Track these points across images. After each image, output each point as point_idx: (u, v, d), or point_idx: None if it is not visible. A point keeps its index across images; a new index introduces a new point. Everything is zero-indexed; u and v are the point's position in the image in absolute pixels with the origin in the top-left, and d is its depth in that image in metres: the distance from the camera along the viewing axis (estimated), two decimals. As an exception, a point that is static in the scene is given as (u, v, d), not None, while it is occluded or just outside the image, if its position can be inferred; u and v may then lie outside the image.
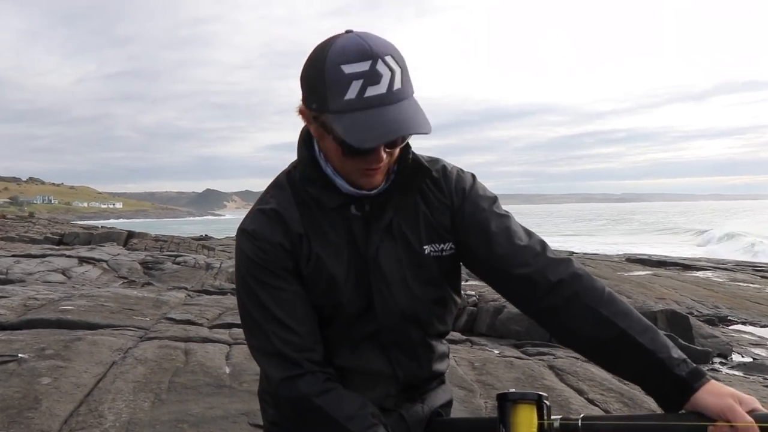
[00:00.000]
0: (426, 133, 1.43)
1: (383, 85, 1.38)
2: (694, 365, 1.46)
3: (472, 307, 9.27)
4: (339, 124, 1.40)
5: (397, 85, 1.40)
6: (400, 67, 1.41)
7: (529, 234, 1.66)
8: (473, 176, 1.73)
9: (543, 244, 1.64)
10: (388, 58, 1.39)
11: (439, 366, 1.77)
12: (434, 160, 1.72)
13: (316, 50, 1.45)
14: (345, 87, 1.38)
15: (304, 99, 1.49)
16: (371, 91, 1.37)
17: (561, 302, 1.55)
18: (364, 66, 1.37)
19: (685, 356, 1.48)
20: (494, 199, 1.70)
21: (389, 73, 1.39)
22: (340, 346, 1.65)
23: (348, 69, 1.38)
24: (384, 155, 1.48)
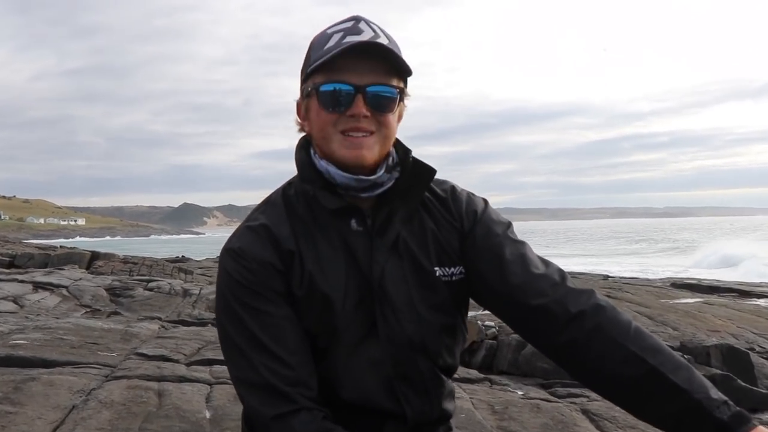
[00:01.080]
0: (407, 71, 1.65)
1: (364, 36, 1.61)
2: (738, 408, 1.47)
3: (491, 341, 9.23)
4: (311, 68, 1.64)
5: (381, 42, 1.61)
6: (387, 39, 1.63)
7: (546, 263, 1.72)
8: (485, 201, 1.82)
9: (562, 274, 1.69)
10: (375, 26, 1.64)
11: (448, 405, 1.80)
12: (442, 181, 1.81)
13: None
14: (326, 41, 1.63)
15: (300, 86, 1.73)
16: (351, 39, 1.61)
17: (582, 336, 1.58)
18: (347, 24, 1.64)
19: (725, 398, 1.49)
20: (508, 225, 1.77)
21: (372, 33, 1.62)
22: (338, 380, 1.66)
23: (332, 30, 1.65)
24: (363, 109, 1.61)
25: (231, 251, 1.66)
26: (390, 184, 1.69)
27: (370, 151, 1.63)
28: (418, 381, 1.70)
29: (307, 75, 1.67)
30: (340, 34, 1.61)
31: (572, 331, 1.59)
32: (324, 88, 1.62)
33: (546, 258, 1.74)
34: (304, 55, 1.72)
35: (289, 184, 1.77)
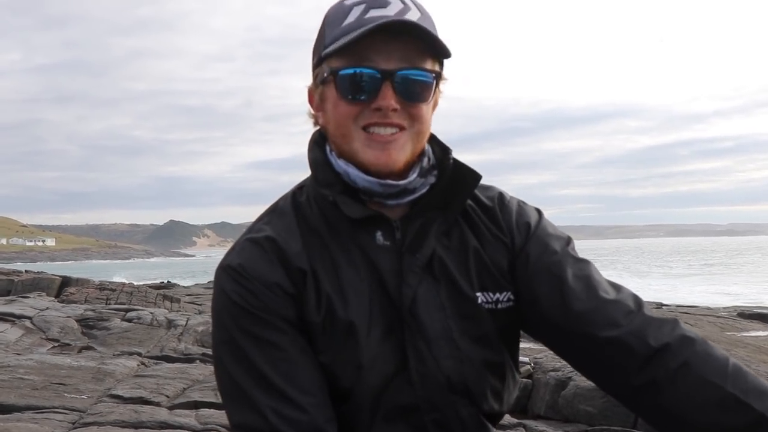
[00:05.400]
0: (445, 54, 1.57)
1: (390, 10, 1.52)
2: None
3: (525, 379, 9.17)
4: (329, 50, 1.55)
5: (411, 17, 1.52)
6: (420, 12, 1.55)
7: (617, 287, 1.64)
8: (539, 211, 1.76)
9: (637, 300, 1.61)
10: None
11: None
12: (488, 186, 1.75)
13: None
14: (344, 16, 1.55)
15: (312, 73, 1.65)
16: (374, 13, 1.52)
17: (666, 375, 1.51)
18: None
19: None
20: (568, 240, 1.71)
21: (401, 5, 1.54)
22: (362, 429, 1.61)
23: (350, 0, 1.57)
24: (392, 100, 1.53)
25: (230, 269, 1.59)
26: (424, 190, 1.63)
27: (401, 151, 1.57)
28: (459, 430, 1.63)
29: (320, 58, 1.59)
30: (361, 8, 1.54)
31: (654, 370, 1.51)
32: (344, 72, 1.54)
33: (616, 282, 1.67)
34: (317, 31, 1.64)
35: (300, 188, 1.71)
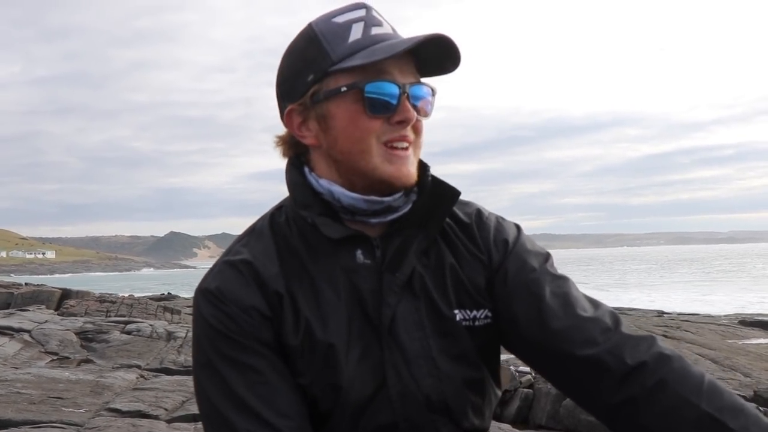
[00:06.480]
0: (454, 65, 1.59)
1: (387, 28, 1.57)
2: None
3: (526, 389, 9.15)
4: (350, 64, 1.52)
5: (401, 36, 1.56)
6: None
7: (596, 304, 1.64)
8: (518, 227, 1.75)
9: (615, 317, 1.61)
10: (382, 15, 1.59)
11: None
12: (466, 202, 1.74)
13: (293, 40, 1.64)
14: (346, 32, 1.55)
15: (289, 92, 1.62)
16: (377, 30, 1.55)
17: (643, 393, 1.50)
18: (359, 13, 1.57)
19: None
20: (546, 256, 1.70)
21: (388, 24, 1.58)
22: None
23: (342, 19, 1.57)
24: (413, 113, 1.54)
25: (207, 292, 1.58)
26: (407, 208, 1.62)
27: (413, 165, 1.58)
28: None
29: (325, 72, 1.55)
30: (361, 25, 1.54)
31: (631, 388, 1.50)
32: (372, 85, 1.52)
33: (594, 298, 1.66)
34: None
35: (279, 208, 1.69)
